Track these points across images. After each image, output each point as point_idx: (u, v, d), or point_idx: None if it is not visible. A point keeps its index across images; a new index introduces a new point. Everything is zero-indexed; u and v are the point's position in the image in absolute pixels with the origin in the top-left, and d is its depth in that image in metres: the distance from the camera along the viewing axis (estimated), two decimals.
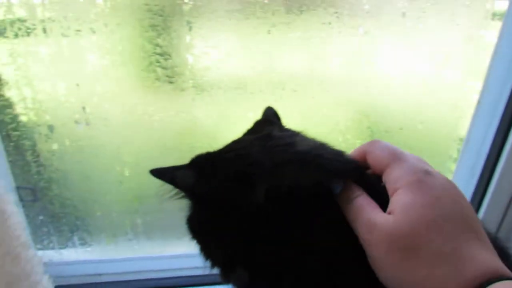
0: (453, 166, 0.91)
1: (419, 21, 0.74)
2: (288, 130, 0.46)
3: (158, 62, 0.72)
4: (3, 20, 0.67)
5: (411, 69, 0.79)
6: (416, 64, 0.79)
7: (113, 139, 0.79)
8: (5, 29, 0.67)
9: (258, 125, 0.49)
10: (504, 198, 0.80)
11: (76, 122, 0.76)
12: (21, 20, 0.67)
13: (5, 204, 0.51)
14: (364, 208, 0.32)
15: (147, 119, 0.78)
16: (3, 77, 0.71)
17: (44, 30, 0.67)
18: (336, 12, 0.71)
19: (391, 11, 0.73)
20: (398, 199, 0.31)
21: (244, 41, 0.73)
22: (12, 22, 0.67)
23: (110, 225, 0.87)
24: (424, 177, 0.31)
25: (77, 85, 0.73)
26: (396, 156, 0.34)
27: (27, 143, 0.77)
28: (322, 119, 0.82)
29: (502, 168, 0.77)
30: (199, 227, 0.42)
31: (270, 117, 0.50)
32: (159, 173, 0.41)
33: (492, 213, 0.82)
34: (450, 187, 0.32)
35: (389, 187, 0.33)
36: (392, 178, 0.33)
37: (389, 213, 0.31)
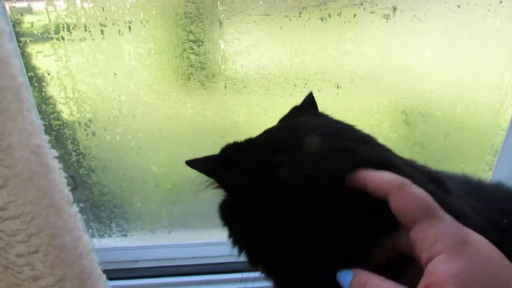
0: (494, 159, 0.87)
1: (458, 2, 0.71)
2: (321, 116, 0.47)
3: (191, 49, 0.74)
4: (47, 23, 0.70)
5: (451, 51, 0.76)
6: (455, 46, 0.76)
7: (148, 129, 0.81)
8: (49, 30, 0.70)
9: (292, 112, 0.50)
10: None
11: (113, 112, 0.79)
12: (65, 23, 0.70)
13: (49, 158, 0.53)
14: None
15: (181, 108, 0.79)
16: (44, 69, 0.74)
17: (84, 26, 0.70)
18: None
19: None
20: (446, 269, 0.27)
21: (273, 31, 0.73)
22: (57, 24, 0.70)
23: (146, 213, 0.90)
24: (467, 240, 0.28)
25: (115, 74, 0.75)
26: (430, 212, 0.30)
27: (67, 132, 0.80)
28: (356, 103, 0.80)
29: None
30: (229, 214, 0.44)
31: (306, 104, 0.51)
32: (193, 163, 0.43)
33: None
34: (492, 249, 0.29)
35: (422, 247, 0.29)
36: (426, 238, 0.29)
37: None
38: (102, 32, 0.71)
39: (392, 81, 0.78)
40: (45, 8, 0.69)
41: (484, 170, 0.89)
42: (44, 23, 0.70)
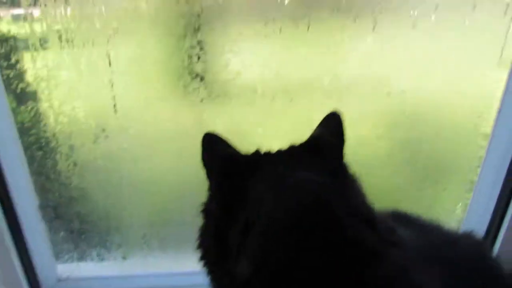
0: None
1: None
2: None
3: (188, 60, 0.75)
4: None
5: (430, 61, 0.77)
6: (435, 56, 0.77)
7: (132, 150, 0.82)
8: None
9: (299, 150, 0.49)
10: None
11: (97, 135, 0.80)
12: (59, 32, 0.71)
13: None
14: None
15: (169, 125, 0.80)
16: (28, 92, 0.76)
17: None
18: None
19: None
20: None
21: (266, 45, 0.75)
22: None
23: (127, 240, 0.90)
24: None
25: (111, 83, 0.76)
26: None
27: (49, 162, 0.81)
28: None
29: None
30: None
31: (324, 135, 0.49)
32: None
33: None
34: None
35: None
36: None
37: None
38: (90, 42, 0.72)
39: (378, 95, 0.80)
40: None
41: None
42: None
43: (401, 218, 0.58)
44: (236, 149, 0.50)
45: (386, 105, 0.80)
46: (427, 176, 0.88)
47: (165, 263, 0.91)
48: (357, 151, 0.83)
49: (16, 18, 0.73)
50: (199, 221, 0.48)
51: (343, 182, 0.45)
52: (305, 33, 0.73)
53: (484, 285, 0.48)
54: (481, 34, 0.74)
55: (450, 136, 0.83)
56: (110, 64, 0.75)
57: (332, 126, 0.49)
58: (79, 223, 0.87)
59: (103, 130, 0.80)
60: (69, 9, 0.70)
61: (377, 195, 0.47)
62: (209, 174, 0.50)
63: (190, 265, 0.89)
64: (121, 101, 0.78)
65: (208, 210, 0.48)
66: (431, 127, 0.82)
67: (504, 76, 0.74)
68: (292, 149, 0.49)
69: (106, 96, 0.78)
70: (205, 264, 0.47)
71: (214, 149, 0.49)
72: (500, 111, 0.77)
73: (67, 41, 0.73)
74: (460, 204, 0.89)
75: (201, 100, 0.78)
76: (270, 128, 0.82)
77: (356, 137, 0.82)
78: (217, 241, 0.44)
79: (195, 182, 0.64)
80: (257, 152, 0.49)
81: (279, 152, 0.49)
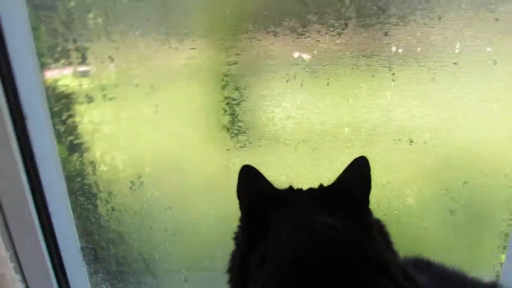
0: None
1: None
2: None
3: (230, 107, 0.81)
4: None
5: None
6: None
7: (163, 200, 0.88)
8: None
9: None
10: None
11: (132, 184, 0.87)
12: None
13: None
14: None
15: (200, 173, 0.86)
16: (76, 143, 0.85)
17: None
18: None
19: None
20: None
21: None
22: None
23: (163, 284, 0.94)
24: None
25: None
26: None
27: (91, 207, 0.89)
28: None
29: None
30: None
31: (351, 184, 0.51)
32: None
33: None
34: None
35: None
36: None
37: None
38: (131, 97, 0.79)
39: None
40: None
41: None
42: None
43: (423, 265, 0.58)
44: (270, 183, 0.53)
45: (408, 155, 0.80)
46: (457, 226, 0.85)
47: None
48: (384, 198, 0.83)
49: (68, 75, 0.83)
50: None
51: (363, 227, 0.46)
52: (325, 87, 0.77)
53: None
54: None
55: (479, 186, 0.81)
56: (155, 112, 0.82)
57: (359, 170, 0.51)
58: (116, 265, 0.93)
59: (139, 177, 0.87)
60: (112, 65, 0.80)
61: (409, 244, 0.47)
62: (241, 204, 0.54)
63: None
64: (157, 152, 0.85)
65: (237, 238, 0.53)
66: (460, 177, 0.81)
67: None
68: (320, 189, 0.52)
69: (143, 147, 0.85)
70: None
71: (248, 181, 0.52)
72: None
73: (111, 98, 0.82)
74: (495, 257, 0.85)
75: (228, 150, 0.83)
76: (294, 175, 0.84)
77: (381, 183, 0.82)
78: (241, 267, 0.48)
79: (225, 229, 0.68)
80: (289, 188, 0.53)
81: (309, 190, 0.52)
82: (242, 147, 0.83)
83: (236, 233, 0.53)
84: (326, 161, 0.82)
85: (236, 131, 0.82)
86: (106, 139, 0.85)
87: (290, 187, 0.53)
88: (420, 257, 0.62)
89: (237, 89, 0.79)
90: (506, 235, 0.81)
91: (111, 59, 0.77)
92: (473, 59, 0.73)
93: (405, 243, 0.49)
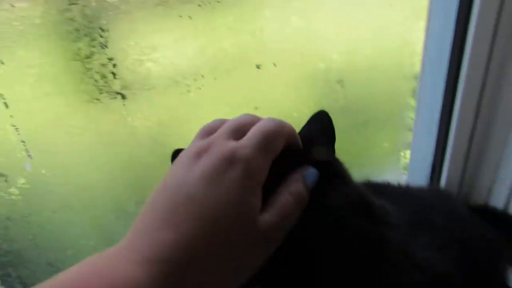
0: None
1: None
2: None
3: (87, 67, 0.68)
4: None
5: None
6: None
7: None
8: None
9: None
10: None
11: None
12: None
13: None
14: None
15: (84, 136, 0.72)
16: None
17: None
18: None
19: None
20: None
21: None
22: None
23: None
24: None
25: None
26: None
27: None
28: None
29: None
30: None
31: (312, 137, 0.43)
32: None
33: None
34: None
35: None
36: None
37: None
38: None
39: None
40: None
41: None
42: None
43: (375, 189, 0.56)
44: None
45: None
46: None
47: None
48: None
49: None
50: None
51: (340, 174, 0.42)
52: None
53: (464, 235, 0.49)
54: None
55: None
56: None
57: (321, 123, 0.45)
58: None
59: None
60: None
61: None
62: None
63: None
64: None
65: None
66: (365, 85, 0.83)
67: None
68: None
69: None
70: None
71: None
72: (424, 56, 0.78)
73: None
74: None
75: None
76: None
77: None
78: None
79: None
80: None
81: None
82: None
83: None
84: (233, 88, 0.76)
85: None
86: None
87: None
88: (369, 181, 0.62)
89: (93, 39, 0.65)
90: (410, 130, 0.86)
91: None
92: None
93: None
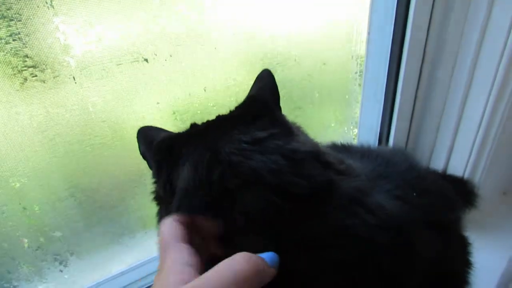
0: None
1: None
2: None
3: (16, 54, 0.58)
4: None
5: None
6: None
7: None
8: None
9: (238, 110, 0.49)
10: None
11: None
12: None
13: None
14: None
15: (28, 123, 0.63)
16: None
17: None
18: None
19: None
20: None
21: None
22: None
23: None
24: None
25: None
26: None
27: None
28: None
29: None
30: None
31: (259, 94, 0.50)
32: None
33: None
34: None
35: None
36: None
37: None
38: None
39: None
40: None
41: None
42: None
43: (340, 149, 0.65)
44: (171, 132, 0.50)
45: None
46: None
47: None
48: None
49: None
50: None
51: (288, 129, 0.45)
52: None
53: (423, 186, 0.52)
54: None
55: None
56: None
57: (266, 81, 0.52)
58: None
59: None
60: None
61: None
62: (149, 162, 0.51)
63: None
64: None
65: (157, 195, 0.48)
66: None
67: None
68: (230, 113, 0.49)
69: None
70: None
71: (147, 137, 0.50)
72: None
73: None
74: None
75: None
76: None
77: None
78: None
79: None
80: (192, 124, 0.49)
81: (218, 118, 0.48)
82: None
83: (154, 192, 0.49)
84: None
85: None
86: None
87: (193, 124, 0.49)
88: (334, 143, 0.69)
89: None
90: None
91: None
92: None
93: None
